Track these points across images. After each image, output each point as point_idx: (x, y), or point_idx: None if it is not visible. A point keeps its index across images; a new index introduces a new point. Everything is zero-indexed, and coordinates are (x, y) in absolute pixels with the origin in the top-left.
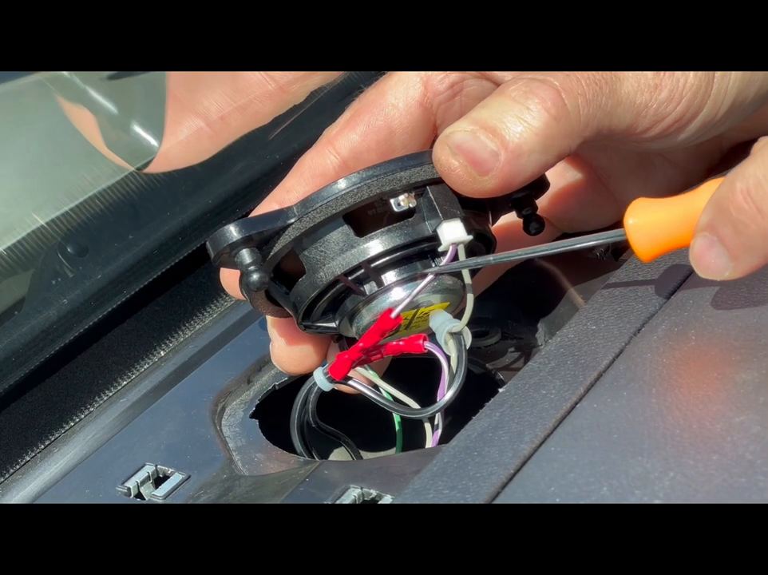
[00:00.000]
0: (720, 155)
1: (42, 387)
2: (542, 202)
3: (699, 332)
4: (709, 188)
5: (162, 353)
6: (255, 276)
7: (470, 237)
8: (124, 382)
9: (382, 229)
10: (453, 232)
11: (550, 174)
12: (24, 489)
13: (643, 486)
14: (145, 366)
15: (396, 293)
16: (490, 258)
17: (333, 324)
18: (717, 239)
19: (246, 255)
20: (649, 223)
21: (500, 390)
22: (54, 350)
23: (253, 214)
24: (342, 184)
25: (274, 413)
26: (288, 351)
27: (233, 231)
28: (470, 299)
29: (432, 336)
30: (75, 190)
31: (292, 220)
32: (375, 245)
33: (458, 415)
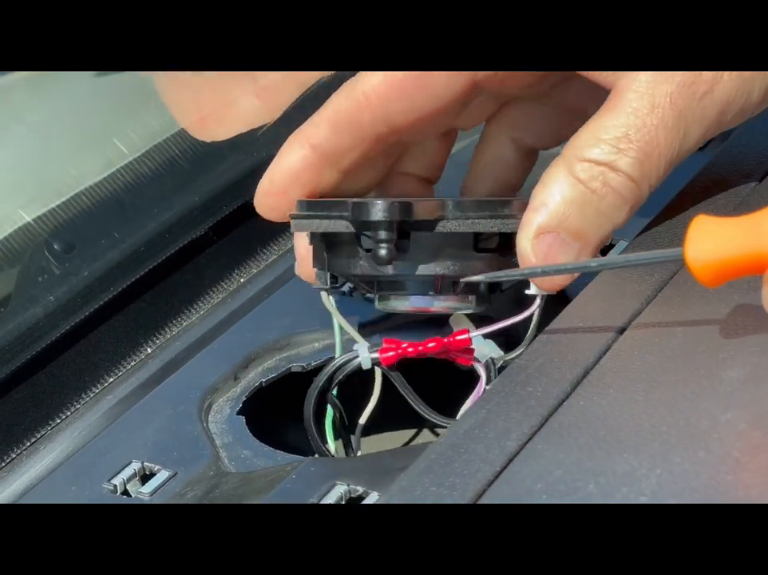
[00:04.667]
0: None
1: (28, 385)
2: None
3: (686, 329)
4: None
5: (149, 350)
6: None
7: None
8: (111, 379)
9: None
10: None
11: None
12: (10, 487)
13: (629, 484)
14: (132, 363)
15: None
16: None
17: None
18: None
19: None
20: (711, 256)
21: (487, 386)
22: (40, 347)
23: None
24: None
25: (260, 410)
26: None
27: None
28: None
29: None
30: (62, 187)
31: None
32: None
33: (445, 411)
